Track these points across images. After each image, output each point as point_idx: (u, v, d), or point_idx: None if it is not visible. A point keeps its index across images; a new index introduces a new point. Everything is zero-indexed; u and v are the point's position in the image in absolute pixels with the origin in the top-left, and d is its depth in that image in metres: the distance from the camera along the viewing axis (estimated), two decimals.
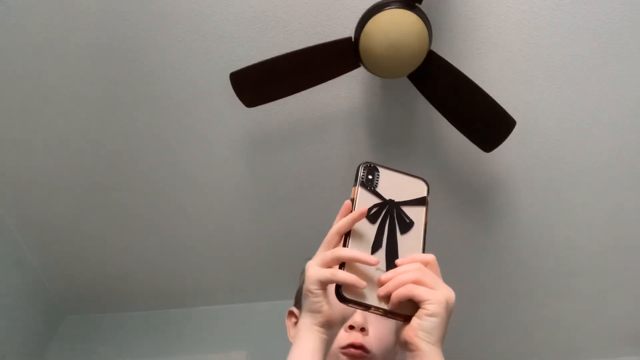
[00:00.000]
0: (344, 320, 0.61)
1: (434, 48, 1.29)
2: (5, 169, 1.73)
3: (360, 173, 0.62)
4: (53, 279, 2.06)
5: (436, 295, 0.53)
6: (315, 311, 0.59)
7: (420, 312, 0.53)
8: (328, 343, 0.61)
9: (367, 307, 0.54)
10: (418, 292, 0.53)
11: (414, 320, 0.53)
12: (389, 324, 0.82)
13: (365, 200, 0.60)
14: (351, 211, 0.59)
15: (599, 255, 1.82)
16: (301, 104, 1.54)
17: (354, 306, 0.54)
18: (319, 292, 0.58)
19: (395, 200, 0.61)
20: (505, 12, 1.36)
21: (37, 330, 2.03)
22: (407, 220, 0.60)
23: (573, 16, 1.36)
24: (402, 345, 0.55)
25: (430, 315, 0.52)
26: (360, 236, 0.58)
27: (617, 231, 1.75)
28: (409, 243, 0.59)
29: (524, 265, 1.87)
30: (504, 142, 1.38)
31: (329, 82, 1.35)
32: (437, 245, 1.88)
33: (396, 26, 1.15)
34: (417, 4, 1.17)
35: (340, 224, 0.59)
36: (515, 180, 1.67)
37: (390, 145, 1.63)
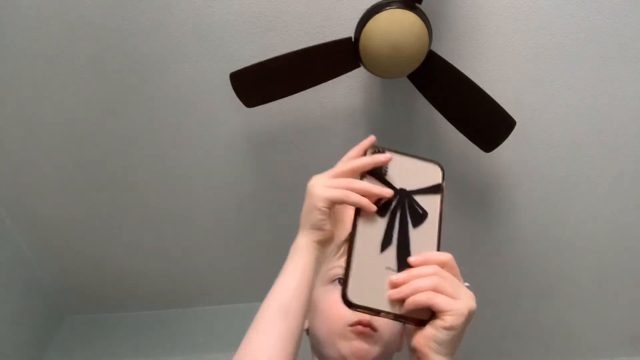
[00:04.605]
0: (338, 241, 0.62)
1: (434, 48, 1.29)
2: (4, 169, 1.73)
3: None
4: (53, 279, 2.05)
5: (458, 306, 0.49)
6: (318, 228, 0.59)
7: (436, 322, 0.49)
8: (320, 261, 0.62)
9: (376, 312, 0.50)
10: (437, 301, 0.48)
11: (428, 330, 0.49)
12: None
13: None
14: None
15: (599, 255, 1.82)
16: (301, 104, 1.54)
17: (362, 311, 0.50)
18: (326, 210, 0.58)
19: (407, 189, 0.56)
20: (505, 12, 1.36)
21: (37, 330, 2.03)
22: (420, 211, 0.54)
23: (573, 16, 1.36)
24: (411, 351, 0.52)
25: (448, 329, 0.48)
26: (367, 231, 0.53)
27: (617, 231, 1.75)
28: (423, 237, 0.53)
29: (523, 265, 1.87)
30: (504, 142, 1.38)
31: (329, 82, 1.35)
32: None
33: (396, 26, 1.15)
34: (417, 4, 1.17)
35: (359, 161, 0.58)
36: (515, 180, 1.67)
37: (390, 145, 1.63)
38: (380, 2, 1.19)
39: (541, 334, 2.05)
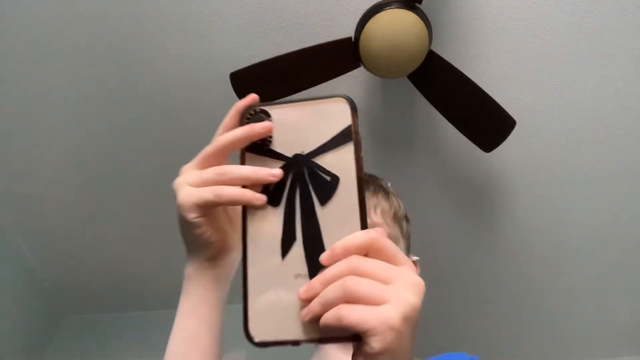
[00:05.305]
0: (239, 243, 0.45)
1: (434, 48, 1.29)
2: (4, 169, 1.73)
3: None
4: (53, 279, 2.05)
5: (382, 317, 0.33)
6: (201, 245, 0.46)
7: (363, 348, 0.34)
8: (224, 276, 0.49)
9: (295, 343, 0.37)
10: (351, 320, 0.33)
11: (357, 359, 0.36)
12: None
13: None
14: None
15: (598, 255, 1.82)
16: None
17: (277, 347, 0.37)
18: (200, 220, 0.44)
19: (305, 152, 0.39)
20: (505, 12, 1.36)
21: (37, 330, 2.03)
22: (328, 179, 0.38)
23: (573, 16, 1.36)
24: None
25: (377, 354, 0.33)
26: (261, 232, 0.39)
27: (616, 231, 1.75)
28: (338, 216, 0.37)
29: (523, 265, 1.87)
30: (504, 142, 1.38)
31: (329, 82, 1.35)
32: (436, 244, 1.89)
33: (396, 26, 1.15)
34: (417, 4, 1.17)
35: (227, 138, 0.42)
36: (515, 180, 1.67)
37: (391, 145, 1.63)
38: (380, 2, 1.19)
39: (541, 333, 2.05)
